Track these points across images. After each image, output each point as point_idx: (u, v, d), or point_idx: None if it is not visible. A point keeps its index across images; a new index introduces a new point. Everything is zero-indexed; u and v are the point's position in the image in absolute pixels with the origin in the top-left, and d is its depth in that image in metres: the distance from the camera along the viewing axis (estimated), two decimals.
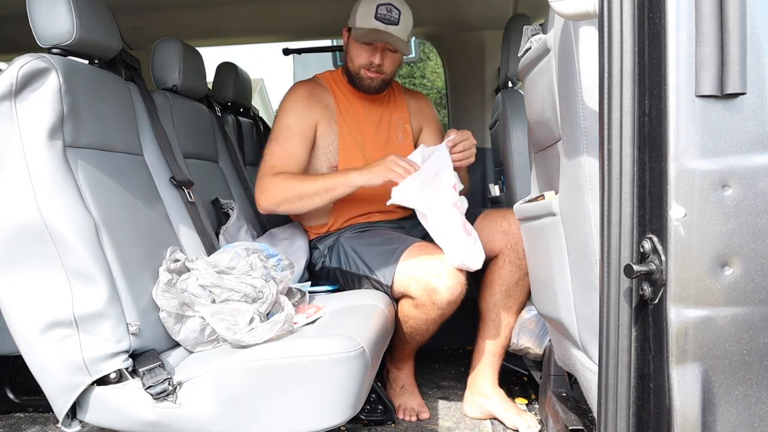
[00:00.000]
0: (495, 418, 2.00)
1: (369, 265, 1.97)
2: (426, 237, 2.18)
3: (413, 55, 3.71)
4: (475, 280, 2.12)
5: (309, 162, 2.12)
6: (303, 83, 2.22)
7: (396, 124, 2.26)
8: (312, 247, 2.18)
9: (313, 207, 2.03)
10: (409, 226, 2.24)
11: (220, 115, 2.63)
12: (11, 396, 2.22)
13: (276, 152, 2.07)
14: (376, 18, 2.04)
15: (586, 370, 1.20)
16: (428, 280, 1.81)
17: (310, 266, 2.16)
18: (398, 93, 2.32)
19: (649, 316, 0.86)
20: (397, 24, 2.06)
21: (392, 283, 1.90)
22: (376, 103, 2.23)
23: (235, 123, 2.89)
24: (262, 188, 2.04)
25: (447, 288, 1.80)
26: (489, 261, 2.07)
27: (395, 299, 1.93)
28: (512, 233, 2.00)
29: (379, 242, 2.01)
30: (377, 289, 1.95)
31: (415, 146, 2.37)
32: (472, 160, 2.00)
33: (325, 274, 2.11)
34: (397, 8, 2.07)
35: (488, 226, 2.07)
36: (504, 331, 2.03)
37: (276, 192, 2.02)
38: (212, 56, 2.93)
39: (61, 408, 1.33)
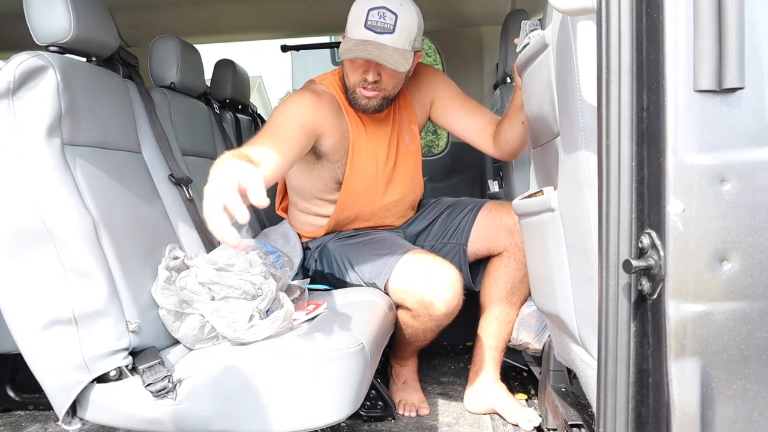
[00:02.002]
0: (495, 413, 2.00)
1: (360, 274, 1.91)
2: (417, 242, 2.12)
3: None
4: (475, 276, 2.12)
5: (315, 171, 1.96)
6: (314, 93, 1.88)
7: (403, 128, 2.06)
8: (305, 247, 2.12)
9: None
10: (400, 228, 2.19)
11: (218, 112, 2.63)
12: (11, 394, 2.22)
13: (255, 141, 1.62)
14: (366, 26, 1.71)
15: (585, 365, 1.20)
16: (423, 294, 1.77)
17: (303, 267, 2.14)
18: (404, 90, 2.01)
19: (647, 312, 0.86)
20: (391, 32, 1.71)
21: (387, 292, 1.86)
22: (384, 112, 1.97)
23: (233, 120, 2.89)
24: None
25: (443, 302, 1.76)
26: (493, 257, 2.05)
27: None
28: (517, 231, 1.92)
29: (369, 249, 1.94)
30: None
31: (420, 131, 2.13)
32: None
33: (318, 277, 2.06)
34: (392, 12, 1.71)
35: (492, 224, 2.03)
36: (506, 326, 2.02)
37: None
38: (210, 53, 2.93)
39: (61, 406, 1.33)
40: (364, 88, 1.81)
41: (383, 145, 1.99)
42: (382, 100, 1.86)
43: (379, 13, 1.71)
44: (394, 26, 1.71)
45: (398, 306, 1.88)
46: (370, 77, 1.78)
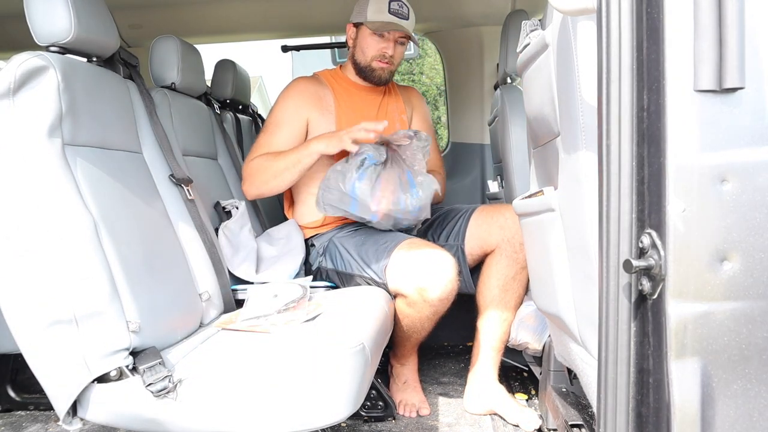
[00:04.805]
0: (495, 414, 2.00)
1: (361, 264, 1.98)
2: (418, 233, 2.19)
3: (412, 51, 3.71)
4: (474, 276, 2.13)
5: None
6: (301, 79, 2.28)
7: (393, 113, 2.32)
8: (309, 245, 2.19)
9: (290, 182, 2.10)
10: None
11: (218, 112, 2.63)
12: (12, 394, 2.23)
13: (261, 143, 2.17)
14: (390, 12, 2.14)
15: (586, 365, 1.20)
16: (418, 278, 1.82)
17: (306, 265, 2.16)
18: (393, 86, 2.39)
19: (648, 311, 0.86)
20: (407, 19, 2.17)
21: (386, 281, 1.91)
22: (374, 93, 2.29)
23: (234, 120, 2.89)
24: (244, 176, 2.16)
25: (437, 286, 1.80)
26: (486, 256, 2.09)
27: (393, 296, 1.94)
28: (508, 227, 2.03)
29: (371, 241, 2.02)
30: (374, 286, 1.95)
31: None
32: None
33: (322, 275, 2.12)
34: (406, 5, 2.18)
35: (485, 222, 2.10)
36: (502, 326, 2.03)
37: (254, 176, 2.12)
38: (211, 53, 2.93)
39: (62, 406, 1.33)
40: (380, 61, 2.19)
41: (371, 118, 2.22)
42: (390, 72, 2.24)
43: (398, 3, 2.16)
44: (408, 14, 2.18)
45: (396, 296, 1.91)
46: (390, 50, 2.18)
